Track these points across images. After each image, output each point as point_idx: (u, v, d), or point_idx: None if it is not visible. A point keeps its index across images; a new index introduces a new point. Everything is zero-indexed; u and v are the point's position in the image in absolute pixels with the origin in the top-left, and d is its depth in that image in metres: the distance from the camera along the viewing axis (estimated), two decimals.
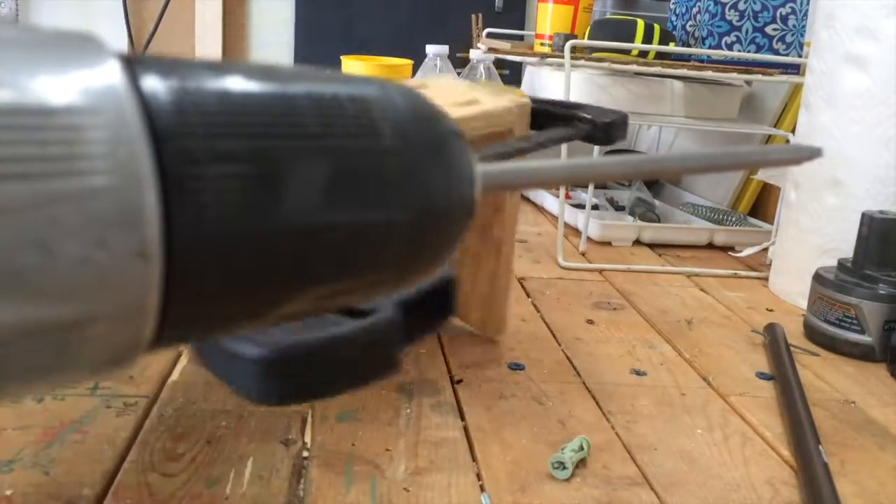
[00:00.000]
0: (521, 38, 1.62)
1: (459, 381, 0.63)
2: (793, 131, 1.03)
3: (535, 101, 0.70)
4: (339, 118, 0.18)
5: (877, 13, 0.80)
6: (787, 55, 1.17)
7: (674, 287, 0.93)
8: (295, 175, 0.17)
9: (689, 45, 1.21)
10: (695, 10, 1.20)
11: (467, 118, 0.62)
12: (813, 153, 0.38)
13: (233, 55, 2.27)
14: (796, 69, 1.16)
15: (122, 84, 0.15)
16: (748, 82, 1.28)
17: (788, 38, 1.17)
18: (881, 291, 0.74)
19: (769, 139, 1.24)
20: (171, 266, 0.15)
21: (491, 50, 1.22)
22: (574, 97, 1.10)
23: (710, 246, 1.12)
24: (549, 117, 0.70)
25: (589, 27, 1.22)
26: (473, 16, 1.40)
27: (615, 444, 0.55)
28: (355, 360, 0.34)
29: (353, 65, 1.23)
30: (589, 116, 0.68)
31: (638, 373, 0.68)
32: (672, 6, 1.28)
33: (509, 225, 0.70)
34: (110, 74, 0.15)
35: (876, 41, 0.80)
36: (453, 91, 0.71)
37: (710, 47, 1.16)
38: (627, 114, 0.70)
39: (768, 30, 1.16)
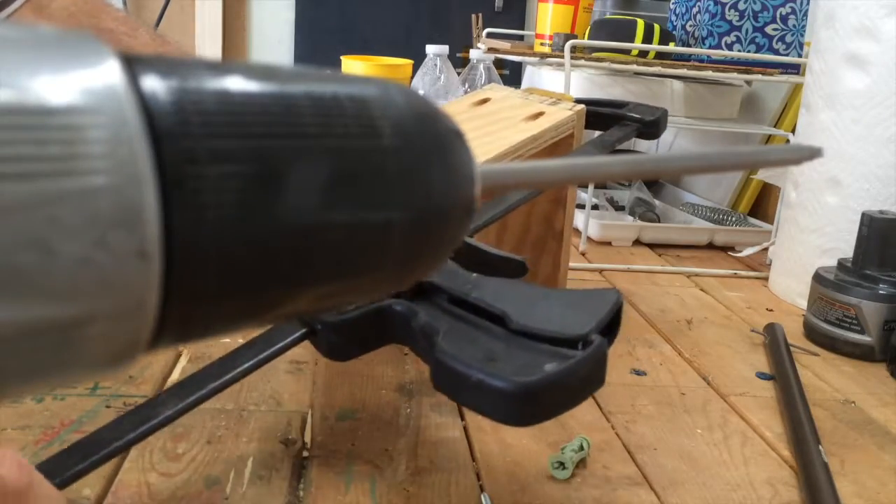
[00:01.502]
0: (521, 37, 1.62)
1: None
2: (793, 131, 1.03)
3: (584, 103, 0.76)
4: (339, 118, 0.18)
5: (877, 13, 0.80)
6: (787, 55, 1.17)
7: (674, 287, 0.93)
8: (295, 175, 0.17)
9: (689, 45, 1.21)
10: (695, 10, 1.20)
11: (544, 130, 0.70)
12: (813, 153, 0.38)
13: (233, 55, 2.27)
14: (796, 69, 1.16)
15: (121, 84, 0.15)
16: (748, 82, 1.29)
17: (788, 38, 1.17)
18: (881, 291, 0.74)
19: (769, 139, 1.24)
20: (171, 266, 0.15)
21: (491, 50, 1.22)
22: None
23: (711, 246, 1.12)
24: (600, 118, 0.79)
25: (589, 27, 1.22)
26: (473, 16, 1.40)
27: (615, 444, 0.55)
28: (582, 384, 0.42)
29: (353, 65, 1.23)
30: (637, 115, 0.79)
31: (638, 373, 0.68)
32: (672, 6, 1.28)
33: (569, 216, 0.78)
34: (110, 74, 0.15)
35: (876, 41, 0.80)
36: (518, 104, 0.76)
37: (710, 47, 1.16)
38: (667, 109, 0.80)
39: (768, 30, 1.16)
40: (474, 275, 0.51)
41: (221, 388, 0.47)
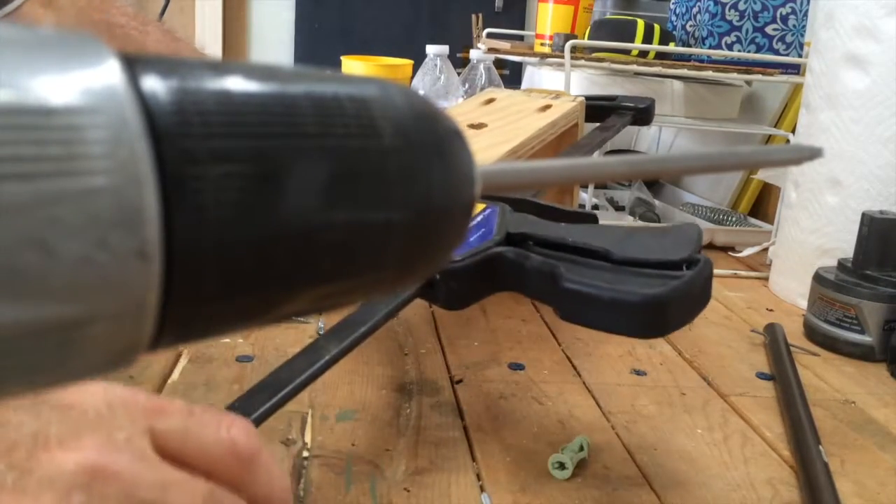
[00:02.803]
0: (521, 38, 1.62)
1: (459, 381, 0.63)
2: (793, 131, 1.03)
3: (588, 98, 0.86)
4: (339, 118, 0.18)
5: (876, 13, 0.80)
6: (787, 55, 1.17)
7: None
8: (295, 175, 0.17)
9: (689, 45, 1.21)
10: (695, 10, 1.20)
11: (557, 118, 0.78)
12: (813, 153, 0.38)
13: (233, 55, 2.27)
14: (796, 69, 1.16)
15: (121, 84, 0.15)
16: (748, 82, 1.29)
17: (788, 38, 1.17)
18: (881, 291, 0.74)
19: (769, 139, 1.24)
20: (171, 266, 0.15)
21: (491, 50, 1.22)
22: None
23: (711, 246, 1.12)
24: (596, 110, 0.88)
25: (589, 27, 1.22)
26: (473, 16, 1.40)
27: (615, 444, 0.55)
28: (698, 298, 0.47)
29: (353, 65, 1.23)
30: (630, 104, 0.89)
31: (638, 372, 0.68)
32: (672, 6, 1.28)
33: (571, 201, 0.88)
34: (110, 74, 0.15)
35: (876, 41, 0.80)
36: (523, 100, 0.84)
37: (710, 47, 1.16)
38: (654, 98, 0.92)
39: (768, 30, 1.16)
40: (562, 224, 0.55)
41: (370, 332, 0.50)
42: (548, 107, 0.80)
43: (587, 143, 0.82)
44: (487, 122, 0.78)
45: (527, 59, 1.23)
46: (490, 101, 0.85)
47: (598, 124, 0.88)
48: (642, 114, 0.90)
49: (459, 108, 0.85)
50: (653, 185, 1.37)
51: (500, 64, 1.35)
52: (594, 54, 1.14)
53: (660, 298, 0.44)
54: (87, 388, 0.29)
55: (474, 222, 0.54)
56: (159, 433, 0.29)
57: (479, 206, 0.56)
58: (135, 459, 0.27)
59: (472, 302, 0.54)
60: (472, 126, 0.77)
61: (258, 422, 0.42)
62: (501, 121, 0.78)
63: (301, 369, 0.46)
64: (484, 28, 1.41)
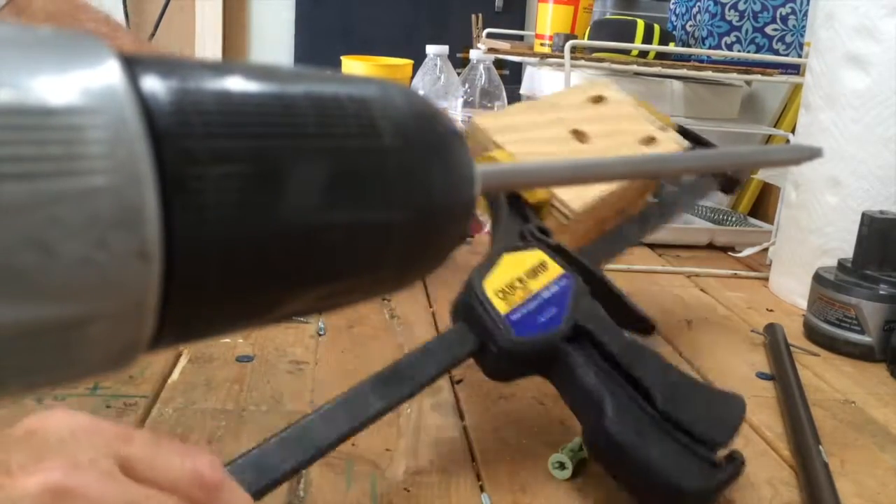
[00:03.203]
0: (521, 38, 1.62)
1: (459, 381, 0.63)
2: (793, 131, 1.03)
3: (683, 134, 0.76)
4: (339, 118, 0.18)
5: (876, 13, 0.80)
6: (786, 55, 1.17)
7: (674, 287, 0.93)
8: (295, 175, 0.17)
9: (689, 46, 1.21)
10: (695, 10, 1.20)
11: None
12: (813, 153, 0.38)
13: (233, 55, 2.27)
14: (796, 69, 1.16)
15: (121, 84, 0.15)
16: (748, 82, 1.29)
17: (788, 39, 1.17)
18: (881, 291, 0.74)
19: (769, 139, 1.25)
20: (171, 266, 0.15)
21: (491, 50, 1.22)
22: None
23: (711, 246, 1.12)
24: None
25: (589, 27, 1.22)
26: (473, 16, 1.40)
27: None
28: (717, 495, 0.47)
29: (353, 65, 1.23)
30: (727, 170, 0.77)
31: None
32: (672, 6, 1.28)
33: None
34: (110, 74, 0.15)
35: (876, 41, 0.80)
36: (631, 116, 0.73)
37: (709, 47, 1.16)
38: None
39: (768, 30, 1.16)
40: (623, 332, 0.53)
41: (412, 395, 0.48)
42: (652, 140, 0.71)
43: (669, 206, 0.74)
44: (590, 134, 0.70)
45: (527, 59, 1.23)
46: (599, 99, 0.75)
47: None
48: (731, 182, 0.78)
49: (569, 98, 0.75)
50: None
51: (499, 64, 1.35)
52: (594, 54, 1.14)
53: (688, 491, 0.45)
54: (51, 415, 0.29)
55: (549, 293, 0.52)
56: (125, 459, 0.29)
57: (556, 270, 0.53)
58: (101, 479, 0.27)
59: (512, 379, 0.54)
60: (576, 133, 0.69)
61: (278, 483, 0.40)
62: (604, 140, 0.70)
63: (340, 423, 0.44)
64: (484, 28, 1.41)
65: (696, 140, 0.77)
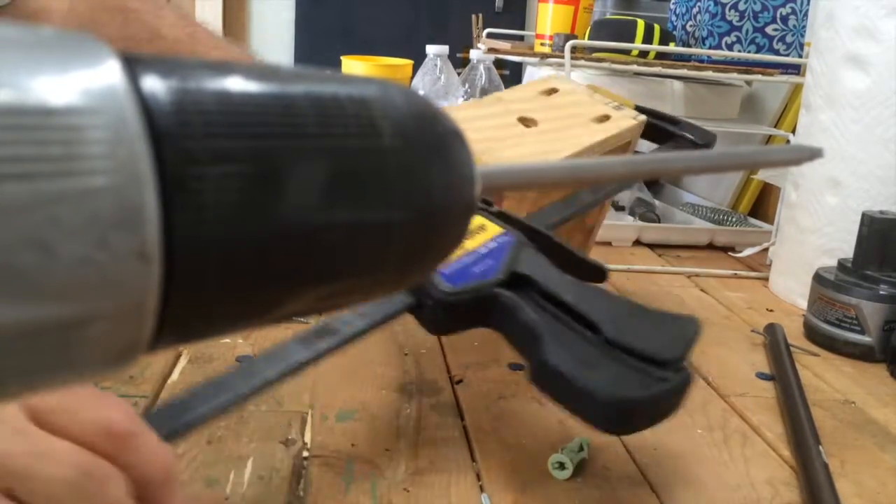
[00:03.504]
0: (521, 38, 1.62)
1: (459, 381, 0.63)
2: (793, 131, 1.03)
3: (642, 111, 0.78)
4: (339, 118, 0.18)
5: (876, 13, 0.80)
6: (787, 55, 1.17)
7: (674, 287, 0.93)
8: (295, 175, 0.17)
9: (689, 46, 1.21)
10: (695, 10, 1.20)
11: (610, 137, 0.71)
12: (814, 153, 0.38)
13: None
14: (796, 69, 1.16)
15: (122, 84, 0.15)
16: (748, 82, 1.29)
17: (789, 39, 1.17)
18: (881, 292, 0.74)
19: (769, 139, 1.24)
20: (171, 266, 0.15)
21: (491, 50, 1.22)
22: None
23: (711, 246, 1.12)
24: (655, 130, 0.80)
25: (589, 27, 1.22)
26: (474, 16, 1.40)
27: (615, 444, 0.55)
28: (670, 406, 0.46)
29: (353, 65, 1.23)
30: (691, 136, 0.81)
31: None
32: (672, 6, 1.28)
33: (603, 213, 0.82)
34: (110, 74, 0.15)
35: (876, 41, 0.80)
36: (584, 101, 0.76)
37: (710, 47, 1.16)
38: (716, 135, 0.82)
39: (768, 30, 1.16)
40: (568, 276, 0.53)
41: (339, 346, 0.48)
42: (606, 118, 0.73)
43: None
44: (539, 120, 0.72)
45: (527, 59, 1.23)
46: (552, 91, 0.77)
47: (655, 146, 0.81)
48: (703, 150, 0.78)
49: (518, 93, 0.77)
50: (653, 185, 1.37)
51: (500, 64, 1.35)
52: (594, 54, 1.14)
53: (629, 402, 0.44)
54: None
55: (486, 249, 0.53)
56: (34, 408, 0.29)
57: (495, 230, 0.54)
58: (8, 432, 0.27)
59: (456, 332, 0.54)
60: (523, 120, 0.71)
61: (193, 427, 0.40)
62: (554, 122, 0.72)
63: (263, 373, 0.44)
64: (484, 28, 1.41)
65: (653, 115, 0.79)
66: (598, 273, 0.59)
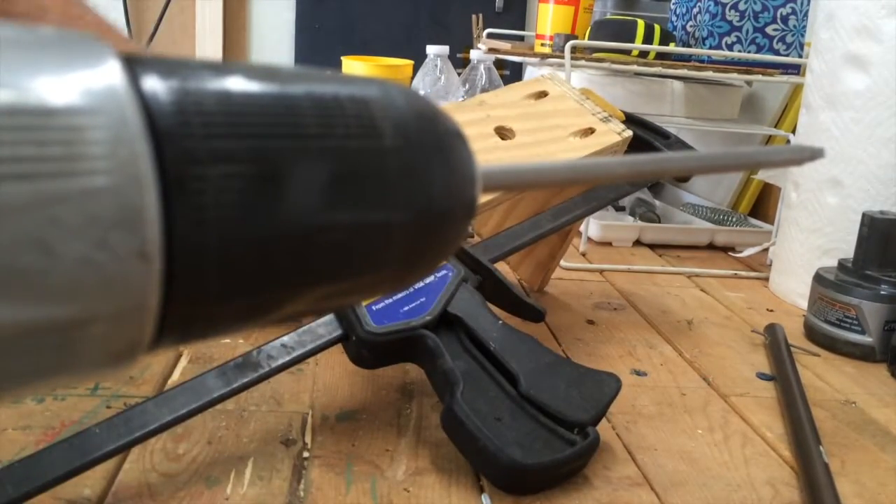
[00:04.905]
0: (521, 38, 1.62)
1: None
2: (793, 131, 1.03)
3: (633, 121, 0.76)
4: (340, 118, 0.18)
5: (877, 13, 0.80)
6: (787, 55, 1.17)
7: (674, 287, 0.93)
8: (295, 175, 0.17)
9: (689, 46, 1.21)
10: (695, 10, 1.20)
11: (589, 155, 0.68)
12: (814, 154, 0.38)
13: (233, 55, 2.27)
14: (797, 69, 1.16)
15: (122, 84, 0.15)
16: (748, 83, 1.28)
17: (789, 39, 1.17)
18: (882, 292, 0.74)
19: (769, 139, 1.24)
20: (172, 266, 0.15)
21: (491, 50, 1.22)
22: None
23: (711, 246, 1.12)
24: (641, 144, 0.77)
25: (589, 27, 1.22)
26: (474, 16, 1.40)
27: (615, 445, 0.55)
28: (570, 470, 0.49)
29: (353, 65, 1.23)
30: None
31: (638, 373, 0.68)
32: (672, 6, 1.28)
33: (565, 244, 0.82)
34: (111, 74, 0.15)
35: (876, 41, 0.80)
36: (571, 110, 0.73)
37: (710, 47, 1.16)
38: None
39: (769, 30, 1.16)
40: (500, 321, 0.55)
41: (259, 381, 0.50)
42: (590, 131, 0.70)
43: (602, 195, 0.72)
44: (517, 131, 0.69)
45: (527, 59, 1.23)
46: (541, 94, 0.74)
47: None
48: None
49: (502, 97, 0.74)
50: (653, 185, 1.37)
51: (500, 64, 1.35)
52: (594, 55, 1.14)
53: (525, 468, 0.46)
54: None
55: (423, 283, 0.54)
56: None
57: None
58: None
59: (381, 367, 0.56)
60: (500, 130, 0.69)
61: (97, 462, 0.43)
62: (531, 135, 0.69)
63: (176, 406, 0.46)
64: (484, 28, 1.41)
65: (643, 126, 0.78)
66: (536, 314, 0.61)
